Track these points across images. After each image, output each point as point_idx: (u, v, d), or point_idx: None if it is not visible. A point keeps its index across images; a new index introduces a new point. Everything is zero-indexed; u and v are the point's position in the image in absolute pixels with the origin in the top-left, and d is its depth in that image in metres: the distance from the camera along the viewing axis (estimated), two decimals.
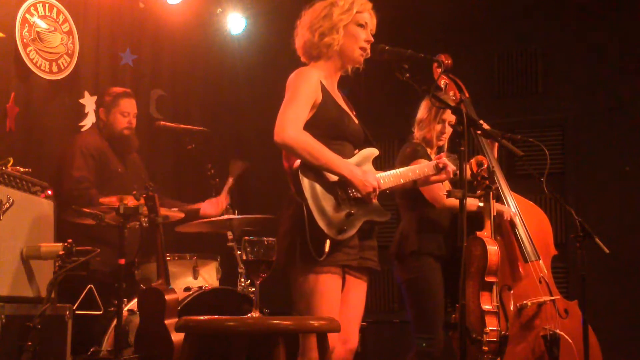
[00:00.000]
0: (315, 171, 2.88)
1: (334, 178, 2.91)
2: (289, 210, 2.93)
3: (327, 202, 2.85)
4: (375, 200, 2.98)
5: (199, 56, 6.05)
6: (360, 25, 3.07)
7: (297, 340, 2.93)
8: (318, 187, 2.86)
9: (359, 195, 2.93)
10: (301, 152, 2.84)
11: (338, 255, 2.88)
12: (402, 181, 3.15)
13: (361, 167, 3.00)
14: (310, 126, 2.93)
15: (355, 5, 3.06)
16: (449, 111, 4.04)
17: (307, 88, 2.95)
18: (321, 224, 2.79)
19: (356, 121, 3.13)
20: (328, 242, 2.81)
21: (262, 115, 6.08)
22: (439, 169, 3.25)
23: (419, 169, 3.24)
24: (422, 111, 4.12)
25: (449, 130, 4.11)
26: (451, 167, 3.25)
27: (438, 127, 4.09)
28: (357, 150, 3.10)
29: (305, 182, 2.84)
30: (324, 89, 3.01)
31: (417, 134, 4.13)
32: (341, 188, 2.91)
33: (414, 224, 3.99)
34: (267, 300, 3.73)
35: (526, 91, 5.84)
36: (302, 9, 3.16)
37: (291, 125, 2.85)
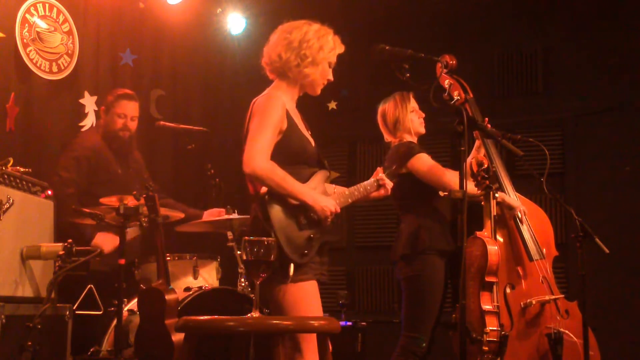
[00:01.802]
0: (279, 197, 2.99)
1: (295, 202, 3.01)
2: (254, 232, 2.99)
3: (290, 226, 2.98)
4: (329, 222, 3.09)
5: (199, 56, 6.05)
6: (330, 65, 3.18)
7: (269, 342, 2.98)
8: (282, 212, 2.98)
9: (316, 218, 3.03)
10: (269, 182, 2.95)
11: (306, 270, 3.00)
12: (350, 201, 3.27)
13: (317, 191, 3.11)
14: (274, 152, 3.02)
15: (337, 48, 3.17)
16: (412, 98, 4.12)
17: (276, 116, 3.03)
18: (287, 250, 2.92)
19: (313, 143, 3.20)
20: (292, 265, 2.95)
21: None
22: (379, 186, 3.37)
23: (364, 187, 3.35)
24: (391, 112, 4.16)
25: (421, 115, 4.19)
26: (389, 184, 3.38)
27: (413, 116, 4.15)
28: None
29: (272, 210, 2.96)
30: (288, 115, 3.09)
31: (398, 134, 4.15)
32: (301, 212, 3.01)
33: (422, 222, 3.99)
34: (267, 300, 3.73)
35: (526, 91, 5.84)
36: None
37: (259, 155, 2.95)
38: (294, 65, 3.10)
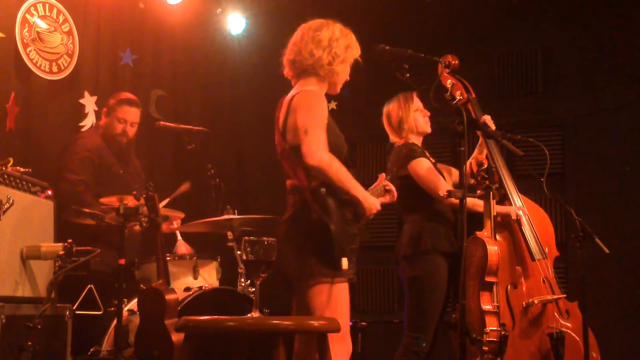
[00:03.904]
0: (332, 191, 2.99)
1: (344, 197, 3.01)
2: (303, 223, 2.98)
3: (343, 220, 2.99)
4: None
5: (199, 56, 6.05)
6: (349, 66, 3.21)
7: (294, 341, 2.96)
8: (335, 206, 2.98)
9: (357, 215, 3.05)
10: (331, 174, 2.95)
11: (347, 270, 3.00)
12: None
13: None
14: None
15: (358, 47, 3.20)
16: (416, 98, 4.12)
17: (323, 110, 3.04)
18: (344, 242, 2.94)
19: None
20: (345, 259, 2.96)
21: (262, 115, 6.10)
22: (386, 191, 3.39)
23: (372, 192, 3.36)
24: (395, 113, 4.16)
25: (426, 114, 4.18)
26: (394, 190, 3.38)
27: (418, 115, 4.14)
28: None
29: (330, 203, 2.96)
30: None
31: (403, 134, 4.14)
32: (347, 207, 3.02)
33: (425, 223, 3.98)
34: (267, 300, 3.74)
35: (526, 91, 5.84)
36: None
37: (323, 148, 2.95)
38: (325, 63, 3.11)
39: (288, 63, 3.19)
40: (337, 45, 3.11)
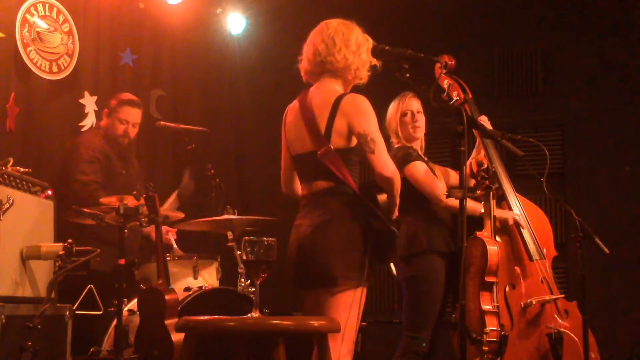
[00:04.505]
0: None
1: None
2: (358, 226, 2.96)
3: None
4: None
5: (199, 56, 6.05)
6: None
7: (298, 341, 2.96)
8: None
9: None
10: (396, 185, 2.97)
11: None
12: None
13: None
14: (356, 153, 3.02)
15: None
16: (412, 100, 4.07)
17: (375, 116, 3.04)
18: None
19: None
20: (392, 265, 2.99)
21: (262, 116, 6.11)
22: None
23: None
24: (389, 112, 4.13)
25: (421, 119, 4.11)
26: None
27: (407, 118, 4.08)
28: None
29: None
30: None
31: (392, 135, 4.10)
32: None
33: (420, 224, 3.97)
34: (267, 300, 3.74)
35: (526, 91, 5.85)
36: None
37: (390, 159, 2.99)
38: (354, 68, 3.09)
39: (313, 61, 3.10)
40: (362, 50, 3.09)
